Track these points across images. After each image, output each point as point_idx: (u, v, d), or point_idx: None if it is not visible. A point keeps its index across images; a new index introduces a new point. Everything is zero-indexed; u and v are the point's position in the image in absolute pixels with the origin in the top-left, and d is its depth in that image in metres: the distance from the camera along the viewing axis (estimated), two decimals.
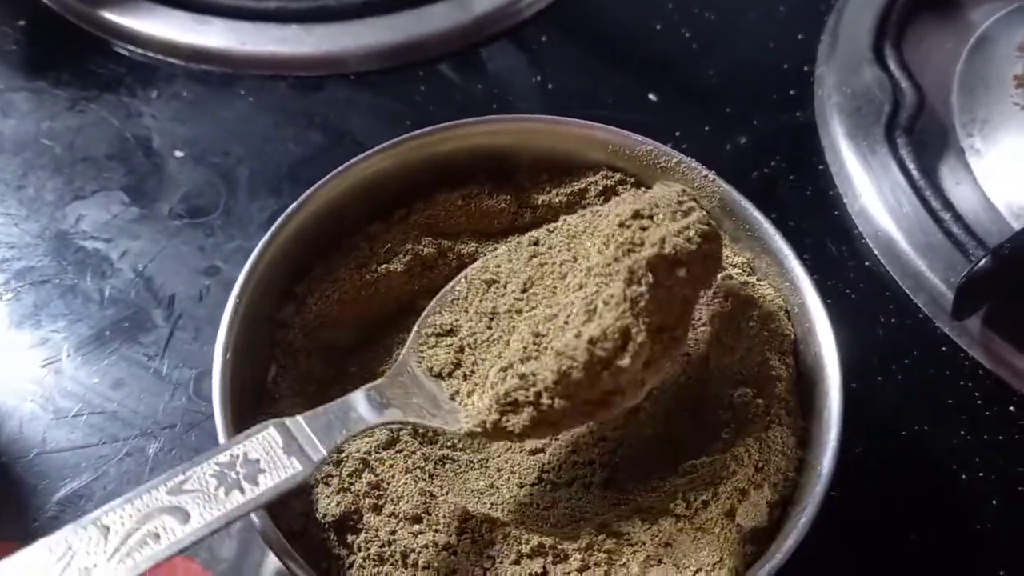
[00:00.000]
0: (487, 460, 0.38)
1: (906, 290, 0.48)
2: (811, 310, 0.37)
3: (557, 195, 0.43)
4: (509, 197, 0.43)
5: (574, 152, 0.43)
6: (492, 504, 0.36)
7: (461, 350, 0.37)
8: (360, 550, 0.34)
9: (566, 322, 0.33)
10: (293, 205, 0.39)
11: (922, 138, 0.52)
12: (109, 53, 0.57)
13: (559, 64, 0.58)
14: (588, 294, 0.33)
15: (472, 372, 0.37)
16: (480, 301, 0.38)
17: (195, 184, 0.51)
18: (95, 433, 0.43)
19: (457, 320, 0.38)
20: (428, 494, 0.35)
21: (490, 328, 0.37)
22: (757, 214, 0.40)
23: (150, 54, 0.57)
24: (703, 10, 0.60)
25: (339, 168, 0.41)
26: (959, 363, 0.46)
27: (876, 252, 0.49)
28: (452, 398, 0.36)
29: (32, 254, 0.49)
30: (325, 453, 0.31)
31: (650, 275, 0.32)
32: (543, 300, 0.37)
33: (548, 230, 0.39)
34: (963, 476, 0.42)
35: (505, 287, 0.38)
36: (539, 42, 0.59)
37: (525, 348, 0.34)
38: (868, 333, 0.47)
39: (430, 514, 0.35)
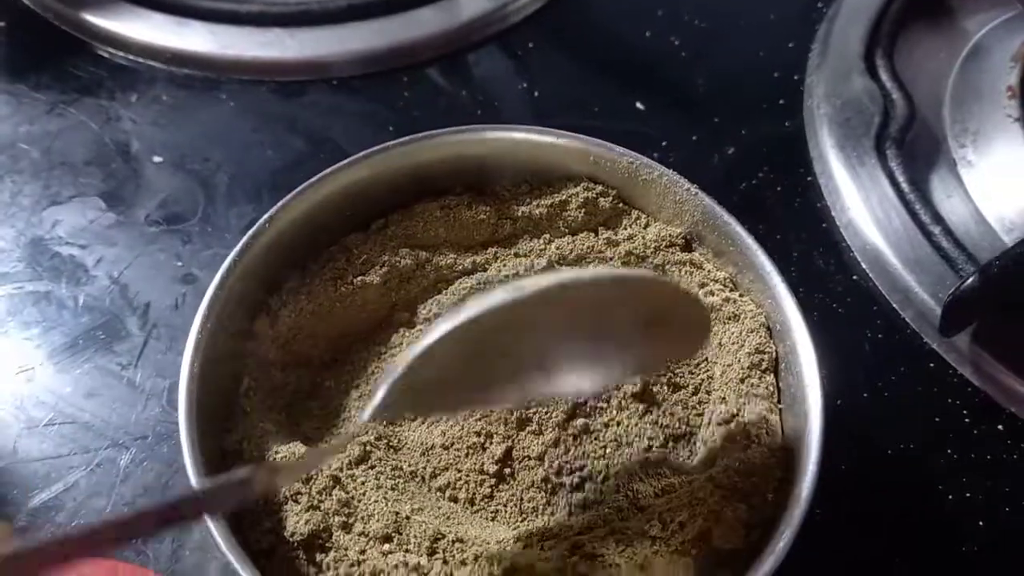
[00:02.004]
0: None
1: (894, 305, 0.47)
2: (793, 328, 0.37)
3: (538, 206, 0.42)
4: (489, 208, 0.43)
5: (555, 163, 0.42)
6: (464, 523, 0.36)
7: None
8: (329, 569, 0.34)
9: None
10: (267, 215, 0.39)
11: (913, 150, 0.51)
12: (89, 56, 0.56)
13: (546, 71, 0.57)
14: None
15: None
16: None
17: (173, 190, 0.50)
18: (66, 443, 0.42)
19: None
20: (399, 513, 0.35)
21: None
22: (739, 229, 0.39)
23: (131, 57, 0.56)
24: (693, 18, 0.60)
25: (315, 177, 0.40)
26: (947, 380, 0.45)
27: (864, 266, 0.48)
28: None
29: (7, 260, 0.48)
30: None
31: None
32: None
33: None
34: (950, 496, 0.42)
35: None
36: (526, 48, 0.58)
37: None
38: (855, 348, 0.46)
39: (401, 533, 0.34)
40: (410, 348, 0.31)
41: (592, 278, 0.32)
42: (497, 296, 0.30)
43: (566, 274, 0.31)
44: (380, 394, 0.30)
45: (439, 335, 0.30)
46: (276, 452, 0.36)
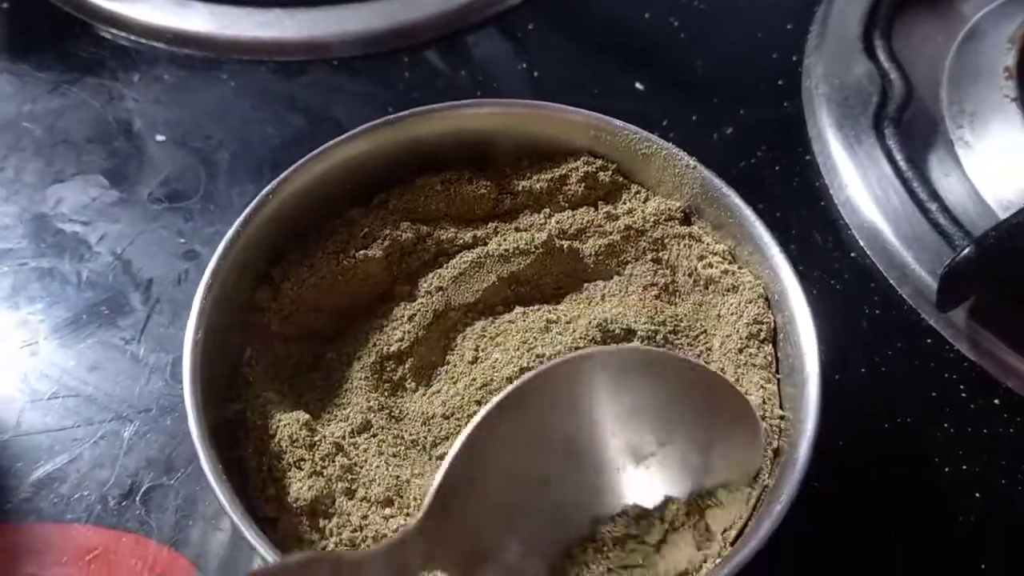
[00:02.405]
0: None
1: (891, 281, 0.47)
2: (791, 297, 0.37)
3: (538, 181, 0.43)
4: (489, 183, 0.43)
5: (555, 137, 0.43)
6: None
7: None
8: (332, 535, 0.34)
9: None
10: (268, 187, 0.39)
11: (910, 130, 0.52)
12: (92, 36, 0.57)
13: (545, 52, 0.57)
14: None
15: None
16: None
17: (175, 168, 0.51)
18: (70, 416, 0.43)
19: None
20: (399, 477, 0.35)
21: None
22: (738, 201, 0.39)
23: (133, 38, 0.56)
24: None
25: (316, 150, 0.40)
26: (944, 355, 0.45)
27: (862, 243, 0.49)
28: None
29: (10, 236, 0.48)
30: None
31: None
32: None
33: None
34: (946, 469, 0.42)
35: None
36: (526, 30, 0.58)
37: None
38: (852, 324, 0.46)
39: (401, 497, 0.35)
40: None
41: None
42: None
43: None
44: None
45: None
46: (279, 421, 0.36)
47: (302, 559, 0.28)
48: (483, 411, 0.31)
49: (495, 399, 0.31)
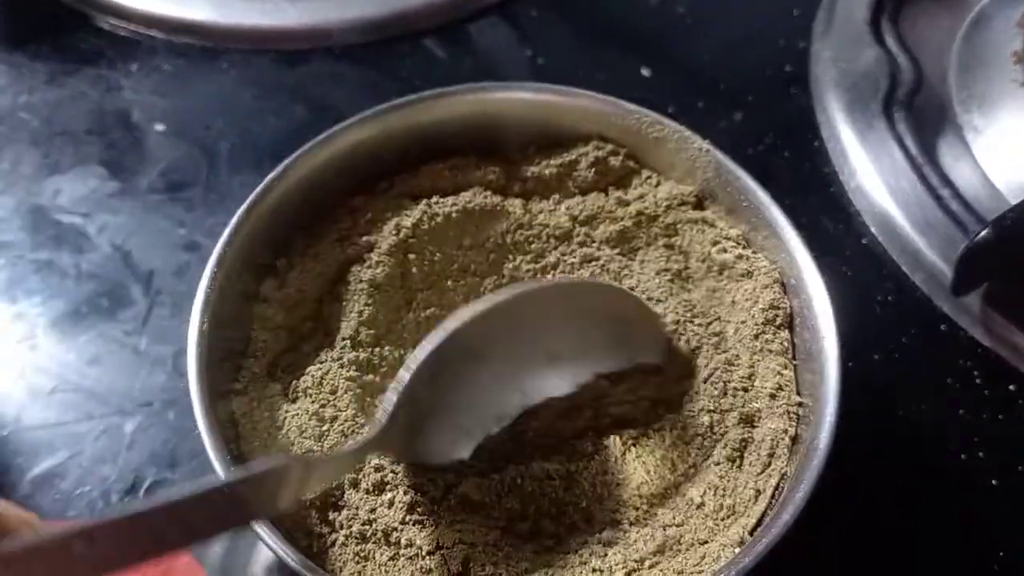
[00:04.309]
0: None
1: (904, 268, 0.47)
2: (808, 282, 0.36)
3: (547, 167, 0.42)
4: (497, 169, 0.42)
5: (564, 122, 0.42)
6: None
7: None
8: (342, 528, 0.33)
9: None
10: (271, 175, 0.39)
11: (920, 115, 0.51)
12: (90, 27, 0.56)
13: (550, 39, 0.57)
14: None
15: None
16: None
17: (175, 158, 0.50)
18: (70, 410, 0.42)
19: None
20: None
21: None
22: (753, 184, 0.39)
23: (131, 27, 0.56)
24: None
25: (319, 137, 0.40)
26: (959, 342, 0.45)
27: (873, 229, 0.48)
28: None
29: (7, 229, 0.48)
30: None
31: None
32: None
33: None
34: (962, 456, 0.41)
35: None
36: (529, 16, 0.57)
37: None
38: (865, 311, 0.46)
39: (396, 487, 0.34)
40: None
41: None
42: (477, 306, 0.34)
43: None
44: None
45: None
46: (287, 413, 0.35)
47: (279, 462, 0.29)
48: (435, 337, 0.33)
49: (445, 326, 0.33)
